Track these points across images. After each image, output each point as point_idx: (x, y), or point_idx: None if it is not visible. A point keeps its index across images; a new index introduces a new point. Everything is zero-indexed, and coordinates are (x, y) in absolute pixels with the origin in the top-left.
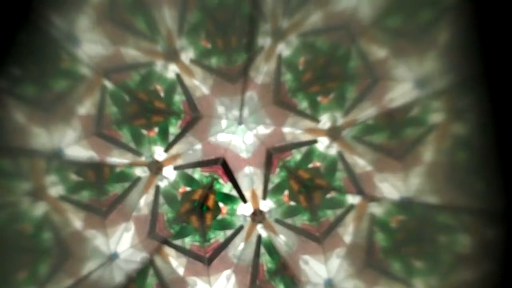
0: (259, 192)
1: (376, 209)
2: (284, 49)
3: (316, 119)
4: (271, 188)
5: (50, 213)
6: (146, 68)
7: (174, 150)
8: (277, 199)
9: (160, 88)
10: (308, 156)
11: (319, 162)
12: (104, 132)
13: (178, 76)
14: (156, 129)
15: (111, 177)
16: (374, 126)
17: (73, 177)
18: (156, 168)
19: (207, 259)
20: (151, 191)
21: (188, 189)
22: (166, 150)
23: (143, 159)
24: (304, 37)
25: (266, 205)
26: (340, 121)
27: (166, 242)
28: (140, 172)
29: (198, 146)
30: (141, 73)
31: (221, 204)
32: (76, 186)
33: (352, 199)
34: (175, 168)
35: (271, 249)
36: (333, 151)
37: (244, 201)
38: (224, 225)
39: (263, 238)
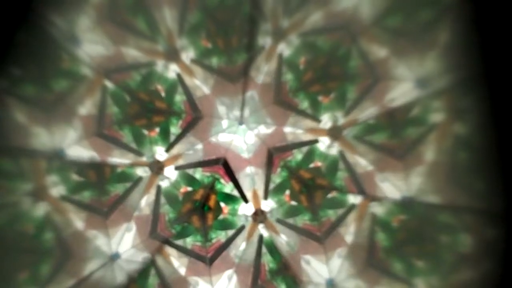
0: (261, 192)
1: (378, 209)
2: (285, 49)
3: (317, 119)
4: (272, 188)
5: (51, 213)
6: (147, 68)
7: (175, 150)
8: (279, 199)
9: (161, 88)
10: (309, 156)
11: (320, 162)
12: (105, 132)
13: (179, 76)
14: (157, 129)
15: (112, 177)
16: (375, 126)
17: (74, 177)
18: (157, 168)
19: (208, 259)
20: (153, 191)
21: (189, 189)
22: (167, 150)
23: (144, 159)
24: (305, 37)
25: (268, 205)
26: (341, 120)
27: (168, 242)
28: (141, 172)
29: (199, 146)
30: (142, 73)
31: (222, 204)
32: (78, 186)
33: (354, 199)
34: (176, 168)
35: (273, 249)
36: (334, 150)
37: (246, 201)
38: (225, 225)
39: (264, 238)
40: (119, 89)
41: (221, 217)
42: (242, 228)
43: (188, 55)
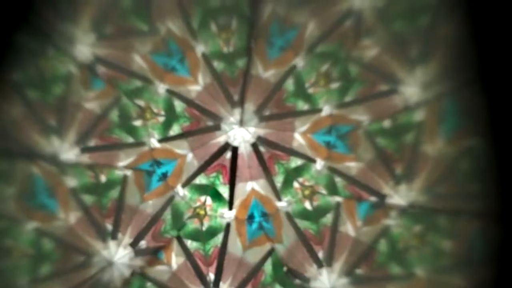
0: (271, 196)
1: (391, 222)
2: (299, 62)
3: (318, 109)
4: (279, 187)
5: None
6: (143, 82)
7: (166, 145)
8: (291, 193)
9: (158, 111)
10: (301, 170)
11: (309, 181)
12: (100, 142)
13: (168, 91)
14: (163, 117)
15: (102, 188)
16: (385, 131)
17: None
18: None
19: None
20: (164, 198)
21: (203, 198)
22: (160, 141)
23: (146, 148)
24: (312, 50)
25: (282, 204)
26: (333, 111)
27: (178, 237)
28: (124, 170)
29: (190, 155)
30: (137, 85)
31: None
32: (88, 186)
33: (336, 197)
34: (183, 185)
35: (277, 265)
36: (324, 170)
37: (230, 207)
38: (212, 231)
39: (273, 254)
40: (130, 103)
41: (205, 226)
42: (228, 226)
43: (201, 48)
